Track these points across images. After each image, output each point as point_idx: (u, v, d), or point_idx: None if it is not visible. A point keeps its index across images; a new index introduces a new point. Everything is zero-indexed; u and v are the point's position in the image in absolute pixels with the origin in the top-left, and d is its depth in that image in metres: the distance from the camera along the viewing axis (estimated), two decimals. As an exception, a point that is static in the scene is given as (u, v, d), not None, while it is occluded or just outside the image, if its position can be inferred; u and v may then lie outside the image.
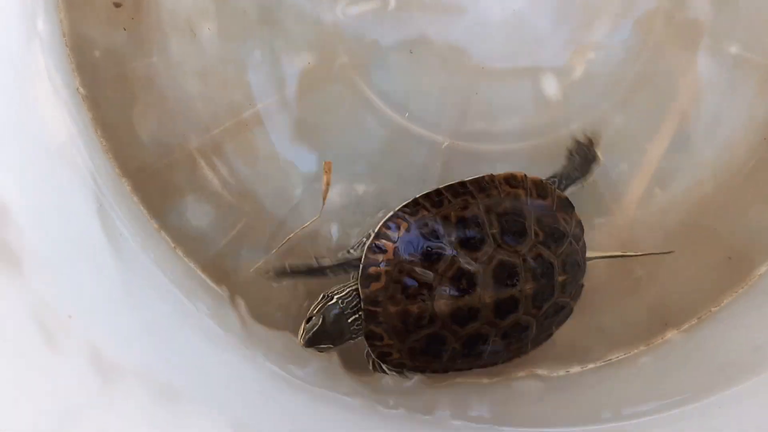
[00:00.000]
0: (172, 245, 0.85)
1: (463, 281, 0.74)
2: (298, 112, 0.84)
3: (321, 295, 0.78)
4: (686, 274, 0.86)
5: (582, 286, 0.82)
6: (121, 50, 0.83)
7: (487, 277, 0.75)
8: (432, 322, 0.75)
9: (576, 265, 0.80)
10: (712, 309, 0.86)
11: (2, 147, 0.64)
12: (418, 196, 0.76)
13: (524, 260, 0.76)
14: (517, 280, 0.75)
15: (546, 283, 0.77)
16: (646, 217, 0.87)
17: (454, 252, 0.74)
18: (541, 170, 0.83)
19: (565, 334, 0.84)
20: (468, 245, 0.75)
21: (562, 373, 0.87)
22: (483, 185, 0.77)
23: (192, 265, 0.86)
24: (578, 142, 0.84)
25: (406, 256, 0.75)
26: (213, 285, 0.85)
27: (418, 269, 0.75)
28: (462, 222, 0.75)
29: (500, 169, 0.84)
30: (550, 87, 0.85)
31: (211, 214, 0.85)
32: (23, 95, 0.70)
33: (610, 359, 0.87)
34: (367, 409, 0.82)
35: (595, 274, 0.84)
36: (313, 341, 0.76)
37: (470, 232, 0.75)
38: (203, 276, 0.85)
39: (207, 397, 0.70)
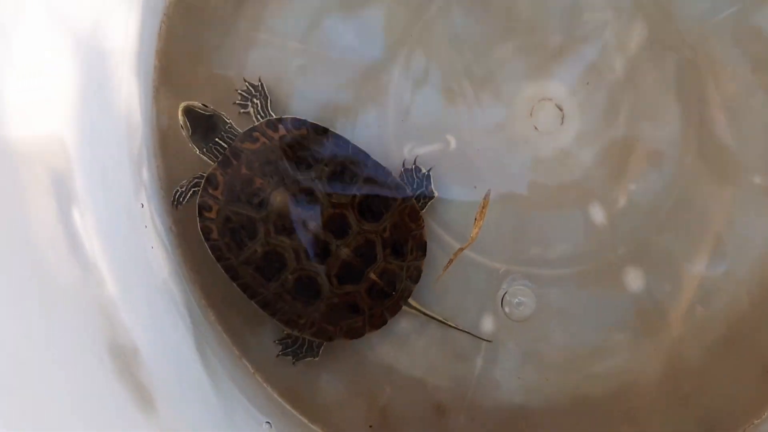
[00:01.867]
0: (252, 371, 0.94)
1: (305, 198, 0.86)
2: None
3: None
4: (729, 387, 0.95)
5: (384, 320, 0.90)
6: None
7: (323, 215, 0.86)
8: (260, 207, 0.85)
9: (392, 286, 0.89)
10: (755, 421, 0.94)
11: (128, 291, 0.73)
12: (331, 129, 0.88)
13: (359, 233, 0.87)
14: (341, 238, 0.86)
15: (360, 264, 0.87)
16: (690, 332, 0.95)
17: (320, 179, 0.86)
18: (591, 294, 0.94)
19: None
20: (332, 184, 0.87)
21: (621, 485, 0.94)
22: (380, 170, 0.89)
23: (270, 389, 0.94)
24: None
25: (288, 149, 0.86)
26: (290, 409, 0.93)
27: (284, 161, 0.86)
28: (343, 166, 0.87)
29: (555, 295, 0.95)
30: (597, 215, 0.96)
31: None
32: (137, 240, 0.80)
33: (665, 470, 0.94)
34: None
35: (644, 392, 0.93)
36: (187, 109, 0.87)
37: (341, 178, 0.87)
38: (281, 400, 0.94)
39: None
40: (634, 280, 0.95)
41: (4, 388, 0.50)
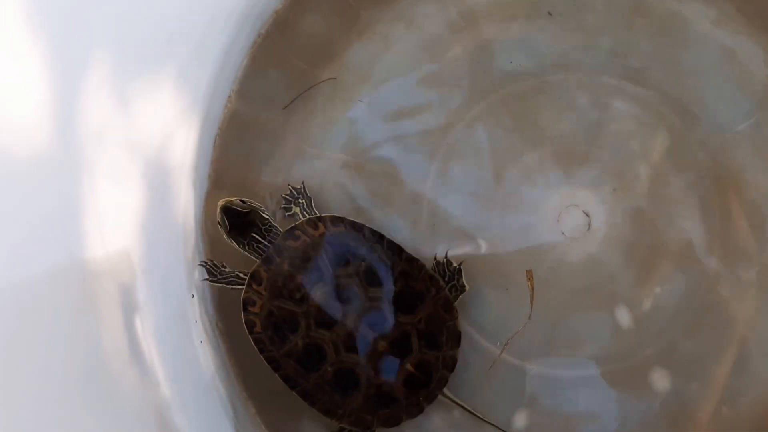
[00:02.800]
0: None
1: (343, 293, 0.90)
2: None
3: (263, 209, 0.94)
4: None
5: (421, 408, 0.94)
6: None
7: (361, 308, 0.90)
8: (300, 301, 0.90)
9: (428, 376, 0.93)
10: None
11: (180, 390, 0.79)
12: (367, 225, 0.93)
13: (394, 326, 0.91)
14: (378, 330, 0.91)
15: (396, 356, 0.92)
16: (716, 432, 0.98)
17: (358, 274, 0.91)
18: (620, 394, 0.97)
19: None
20: (369, 279, 0.92)
21: None
22: (414, 263, 0.94)
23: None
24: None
25: (327, 246, 0.91)
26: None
27: (324, 260, 0.90)
28: (379, 261, 0.92)
29: (582, 395, 0.98)
30: (624, 317, 0.99)
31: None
32: (188, 337, 0.86)
33: None
34: None
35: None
36: (225, 207, 0.90)
37: (377, 273, 0.92)
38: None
39: None
40: (661, 380, 0.99)
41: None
